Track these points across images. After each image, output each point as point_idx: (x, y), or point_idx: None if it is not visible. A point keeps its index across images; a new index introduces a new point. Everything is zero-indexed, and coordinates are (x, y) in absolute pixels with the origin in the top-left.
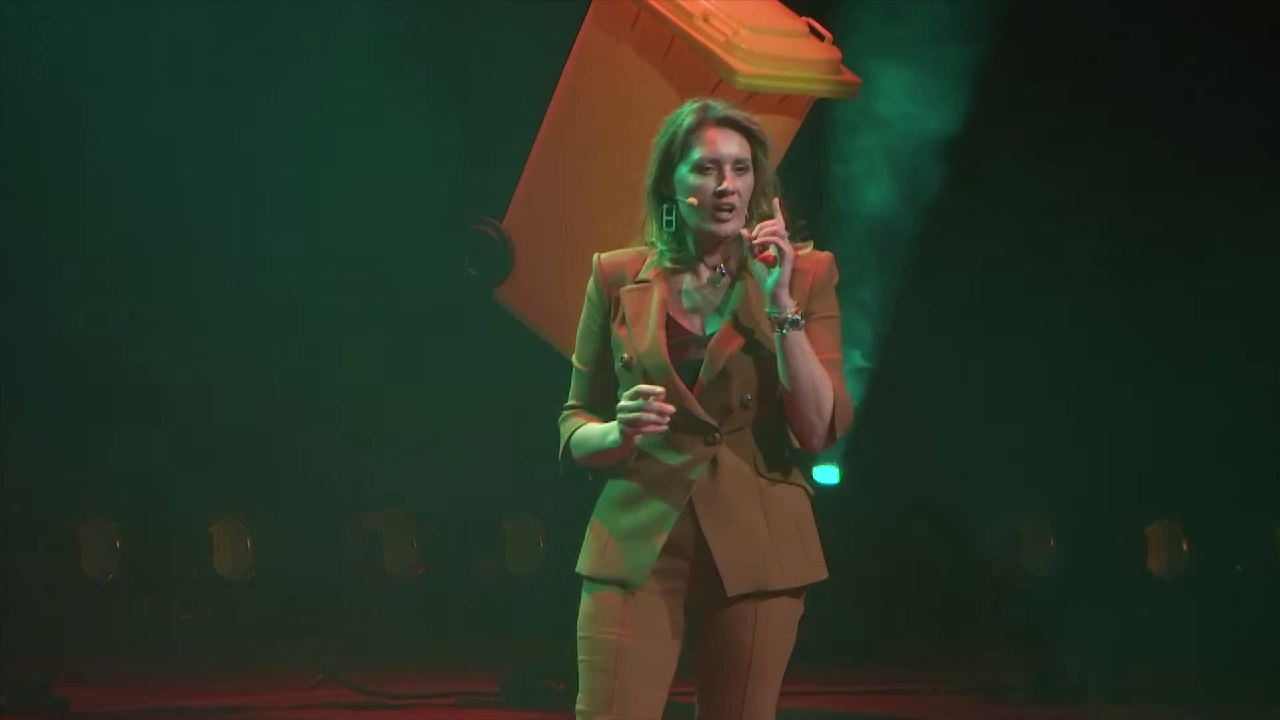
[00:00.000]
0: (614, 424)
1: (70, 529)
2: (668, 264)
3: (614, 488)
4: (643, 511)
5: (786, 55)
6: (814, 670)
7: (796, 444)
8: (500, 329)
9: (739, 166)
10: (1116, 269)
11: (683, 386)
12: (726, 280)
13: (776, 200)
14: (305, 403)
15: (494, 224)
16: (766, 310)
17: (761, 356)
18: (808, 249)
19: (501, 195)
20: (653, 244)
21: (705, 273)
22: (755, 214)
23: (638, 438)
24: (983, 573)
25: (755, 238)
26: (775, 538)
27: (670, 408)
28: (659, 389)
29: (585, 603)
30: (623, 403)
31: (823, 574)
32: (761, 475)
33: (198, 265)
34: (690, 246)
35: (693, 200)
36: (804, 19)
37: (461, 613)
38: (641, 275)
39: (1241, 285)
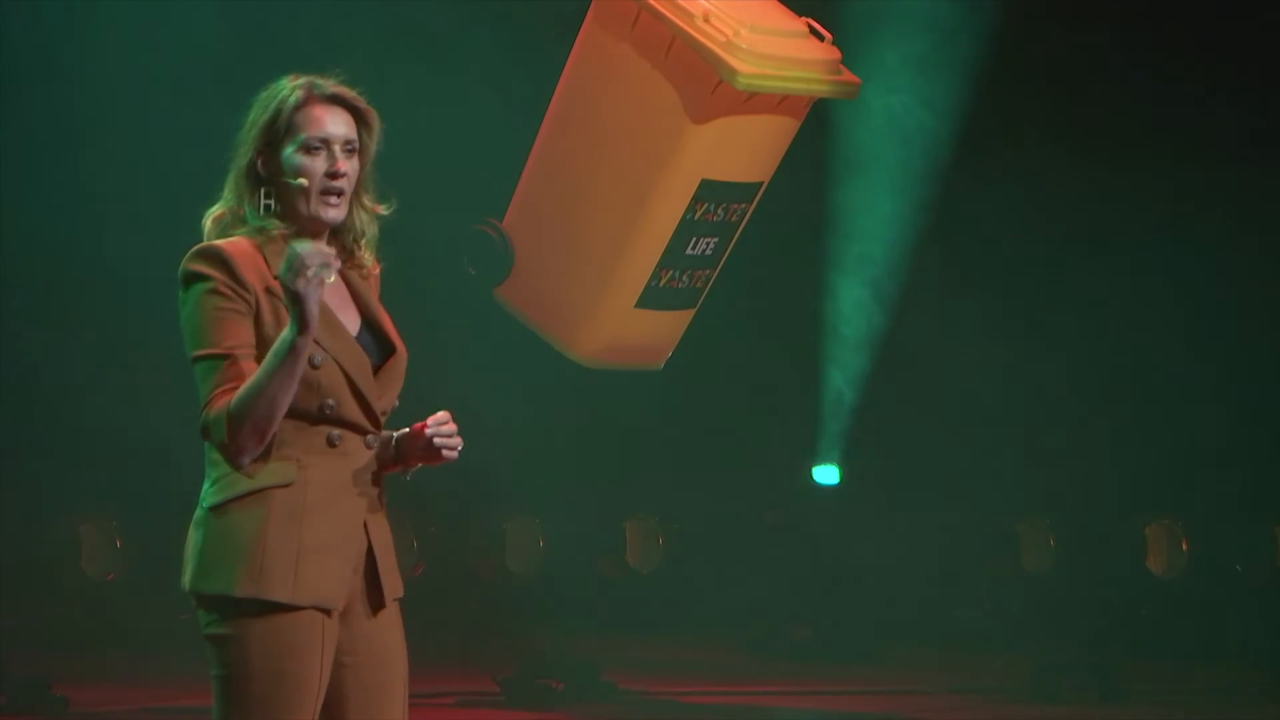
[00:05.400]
0: (277, 339)
1: (70, 529)
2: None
3: (283, 501)
4: (328, 524)
5: (787, 55)
6: (814, 670)
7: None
8: (500, 329)
9: (348, 148)
10: (1116, 270)
11: (375, 390)
12: (336, 278)
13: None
14: None
15: (494, 224)
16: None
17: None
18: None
19: (502, 195)
20: (261, 231)
21: None
22: (356, 202)
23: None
24: (980, 572)
25: (431, 438)
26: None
27: (331, 249)
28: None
29: (277, 631)
30: (286, 262)
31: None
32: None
33: None
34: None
35: (303, 180)
36: (804, 19)
37: (461, 613)
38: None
39: (1241, 285)
